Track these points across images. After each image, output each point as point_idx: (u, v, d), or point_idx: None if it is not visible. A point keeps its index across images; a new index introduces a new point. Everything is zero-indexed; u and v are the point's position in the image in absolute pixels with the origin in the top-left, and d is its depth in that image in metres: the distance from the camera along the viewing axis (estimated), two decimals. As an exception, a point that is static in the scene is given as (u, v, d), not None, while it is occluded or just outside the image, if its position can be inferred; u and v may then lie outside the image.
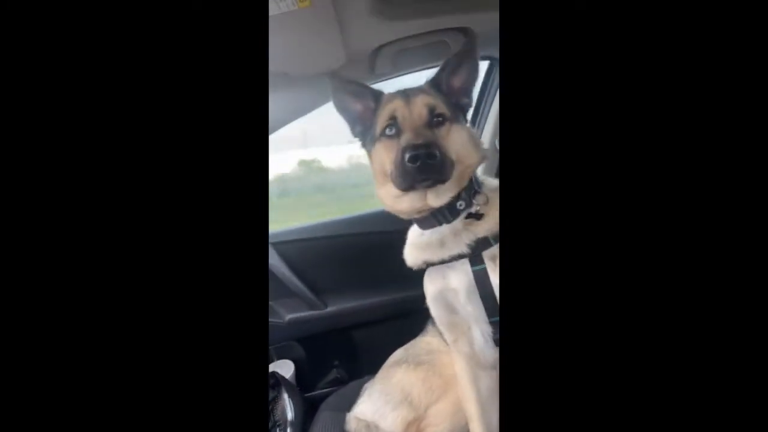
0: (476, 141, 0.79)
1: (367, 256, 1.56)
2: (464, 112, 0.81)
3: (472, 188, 0.77)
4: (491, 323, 0.73)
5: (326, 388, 1.48)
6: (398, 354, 0.96)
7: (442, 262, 0.75)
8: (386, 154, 0.76)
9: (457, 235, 0.74)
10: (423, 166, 0.68)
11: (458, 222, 0.75)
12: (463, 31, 1.03)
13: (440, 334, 0.92)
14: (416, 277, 1.59)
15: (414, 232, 0.83)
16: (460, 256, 0.73)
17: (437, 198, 0.75)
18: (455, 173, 0.73)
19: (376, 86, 0.87)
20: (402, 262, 1.58)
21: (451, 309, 0.77)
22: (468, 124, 0.82)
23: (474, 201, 0.75)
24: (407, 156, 0.68)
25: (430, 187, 0.73)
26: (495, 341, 0.75)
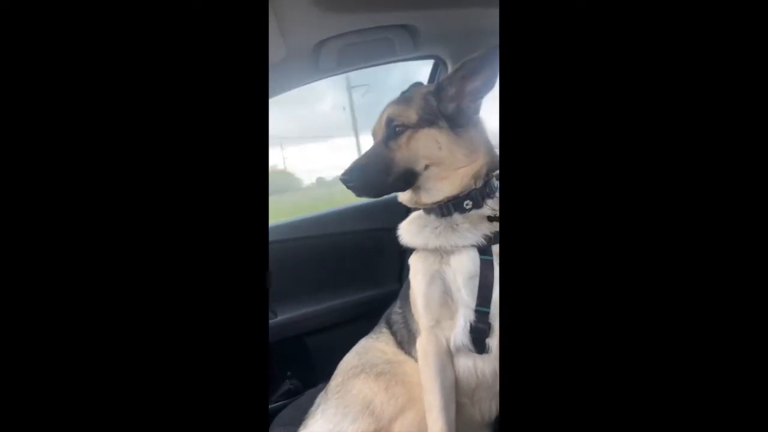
0: (466, 143, 0.78)
1: (314, 260, 1.50)
2: (466, 115, 0.79)
3: (486, 191, 0.78)
4: (476, 311, 0.76)
5: (279, 401, 1.40)
6: (351, 361, 0.92)
7: (453, 248, 0.77)
8: None
9: (474, 225, 0.77)
10: (352, 190, 0.78)
11: (475, 215, 0.78)
12: (408, 28, 1.02)
13: (395, 342, 0.91)
14: (366, 279, 1.58)
15: (421, 216, 0.84)
16: (473, 246, 0.76)
17: (428, 196, 0.80)
18: (430, 176, 0.78)
19: (323, 82, 0.83)
20: (351, 264, 1.57)
21: (445, 290, 0.78)
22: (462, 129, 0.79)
23: (487, 204, 0.78)
24: None
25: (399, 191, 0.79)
26: (472, 328, 0.77)
